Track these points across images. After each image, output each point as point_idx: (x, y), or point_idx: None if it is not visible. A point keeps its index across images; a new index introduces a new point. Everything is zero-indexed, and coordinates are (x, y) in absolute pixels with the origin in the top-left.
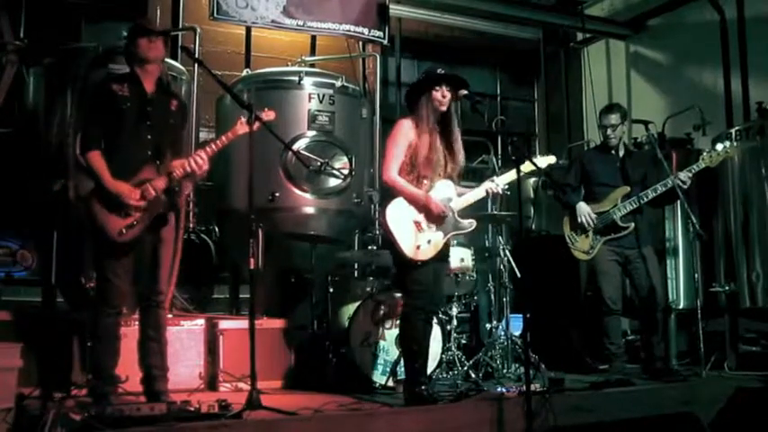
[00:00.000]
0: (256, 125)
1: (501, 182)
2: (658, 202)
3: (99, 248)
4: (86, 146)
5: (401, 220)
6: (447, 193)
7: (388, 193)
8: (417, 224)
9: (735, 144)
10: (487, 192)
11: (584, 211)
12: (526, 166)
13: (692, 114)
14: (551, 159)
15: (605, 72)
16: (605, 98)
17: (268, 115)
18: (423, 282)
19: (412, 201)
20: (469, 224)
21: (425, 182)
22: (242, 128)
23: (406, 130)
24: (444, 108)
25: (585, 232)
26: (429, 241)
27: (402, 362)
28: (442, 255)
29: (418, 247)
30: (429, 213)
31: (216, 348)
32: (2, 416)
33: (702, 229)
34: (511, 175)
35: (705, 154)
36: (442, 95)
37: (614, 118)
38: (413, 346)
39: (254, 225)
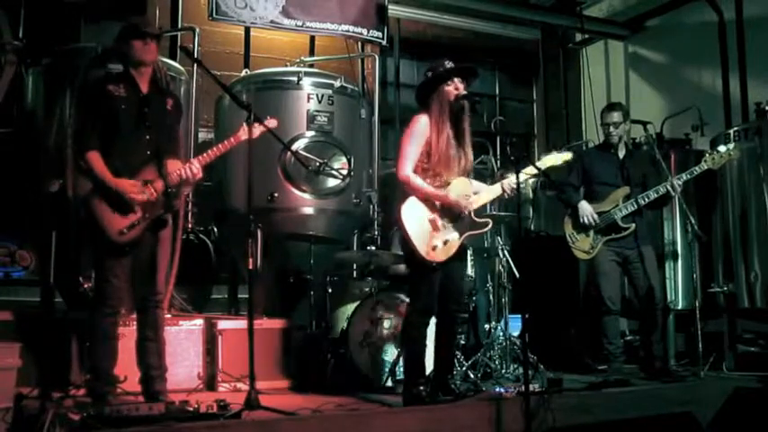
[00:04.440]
0: (257, 133)
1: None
2: (656, 204)
3: (98, 249)
4: (84, 146)
5: (417, 219)
6: (464, 190)
7: (402, 192)
8: (433, 223)
9: (737, 146)
10: (504, 189)
11: (587, 210)
12: (548, 160)
13: (691, 115)
14: (567, 156)
15: (604, 72)
16: (604, 99)
17: (270, 123)
18: (431, 284)
19: (429, 199)
20: (485, 224)
21: (441, 179)
22: (243, 134)
23: (422, 127)
24: (454, 98)
25: (587, 232)
26: (445, 242)
27: (401, 362)
28: (459, 255)
29: (434, 248)
30: (446, 212)
31: (214, 348)
32: (1, 415)
33: (701, 230)
34: (530, 170)
35: (708, 156)
36: (455, 88)
37: (616, 116)
38: (414, 348)
39: (252, 225)
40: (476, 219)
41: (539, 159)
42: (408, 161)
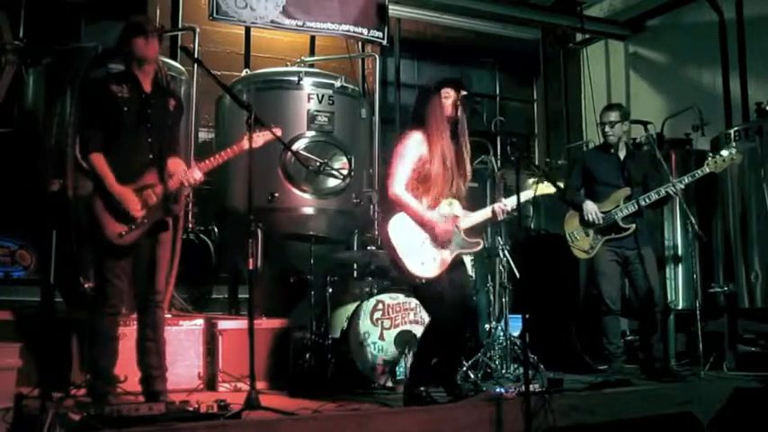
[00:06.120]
0: (261, 141)
1: (510, 203)
2: (656, 204)
3: (98, 249)
4: (88, 148)
5: (405, 235)
6: (454, 211)
7: (391, 208)
8: (422, 240)
9: (739, 150)
10: (494, 212)
11: (592, 209)
12: (544, 188)
13: (691, 115)
14: (559, 184)
15: (604, 72)
16: (604, 99)
17: (275, 131)
18: (439, 298)
19: (417, 220)
20: (476, 243)
21: (431, 198)
22: (246, 143)
23: (416, 144)
24: (452, 112)
25: (587, 231)
26: (434, 258)
27: (401, 362)
28: (454, 264)
29: (422, 264)
30: (433, 235)
31: (215, 348)
32: (1, 415)
33: (701, 230)
34: (522, 197)
35: (710, 159)
36: (452, 100)
37: (614, 116)
38: (426, 355)
39: (253, 225)
40: (466, 238)
41: (536, 183)
42: (399, 178)
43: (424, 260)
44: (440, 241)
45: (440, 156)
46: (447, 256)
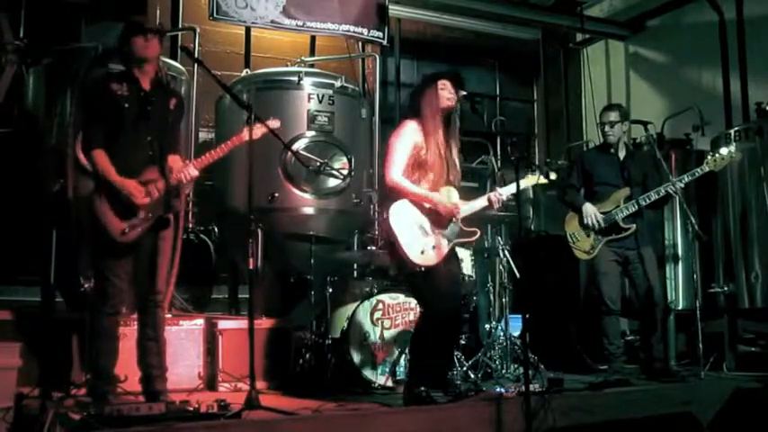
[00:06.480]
0: (259, 133)
1: (505, 192)
2: (656, 204)
3: (99, 248)
4: (90, 144)
5: (405, 223)
6: (452, 199)
7: (389, 195)
8: (422, 228)
9: (738, 148)
10: (490, 201)
11: (591, 211)
12: (535, 179)
13: (691, 115)
14: (553, 175)
15: (604, 73)
16: (604, 99)
17: (272, 123)
18: (436, 287)
19: (418, 202)
20: (474, 233)
21: (428, 185)
22: (245, 135)
23: (412, 131)
24: (450, 103)
25: (588, 232)
26: (434, 247)
27: (401, 362)
28: (452, 256)
29: (422, 252)
30: (435, 217)
31: (215, 348)
32: (1, 415)
33: (701, 230)
34: (515, 187)
35: (709, 158)
36: (448, 92)
37: (613, 115)
38: (422, 353)
39: (253, 225)
40: (464, 228)
41: (527, 174)
42: (397, 165)
43: (424, 248)
44: (441, 220)
45: (435, 144)
46: (445, 245)
